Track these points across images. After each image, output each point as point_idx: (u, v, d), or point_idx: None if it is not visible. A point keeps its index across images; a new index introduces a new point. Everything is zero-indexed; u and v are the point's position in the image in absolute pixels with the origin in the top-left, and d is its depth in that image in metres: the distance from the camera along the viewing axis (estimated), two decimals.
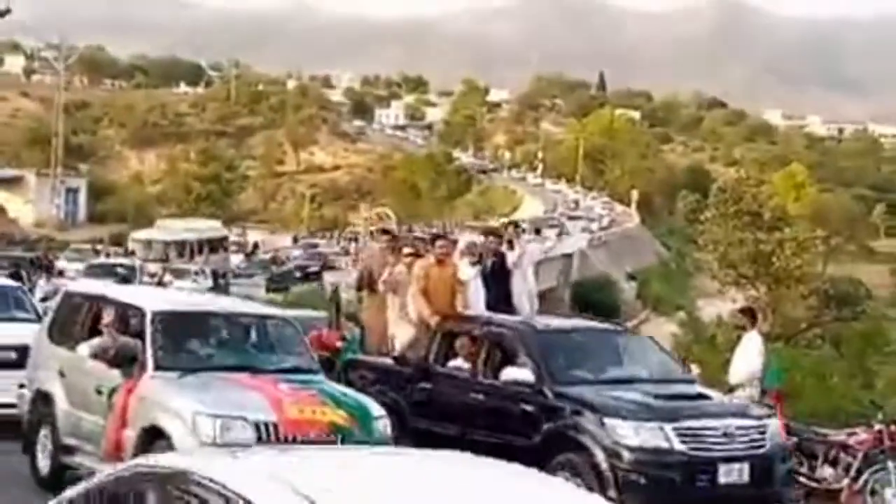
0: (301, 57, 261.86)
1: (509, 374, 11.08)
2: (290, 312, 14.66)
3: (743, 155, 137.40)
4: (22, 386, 12.41)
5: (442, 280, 12.82)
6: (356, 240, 66.72)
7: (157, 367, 10.53)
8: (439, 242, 13.54)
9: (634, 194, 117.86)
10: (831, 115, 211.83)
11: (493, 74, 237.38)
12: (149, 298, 12.19)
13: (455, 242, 14.25)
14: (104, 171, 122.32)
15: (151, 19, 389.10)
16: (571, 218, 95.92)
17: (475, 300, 13.12)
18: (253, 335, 11.89)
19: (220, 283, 41.00)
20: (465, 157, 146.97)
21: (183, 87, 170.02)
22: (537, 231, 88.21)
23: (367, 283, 14.29)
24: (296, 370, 11.15)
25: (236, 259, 60.74)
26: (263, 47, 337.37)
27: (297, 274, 52.31)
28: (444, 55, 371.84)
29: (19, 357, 13.23)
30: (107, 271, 36.85)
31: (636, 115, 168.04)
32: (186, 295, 15.05)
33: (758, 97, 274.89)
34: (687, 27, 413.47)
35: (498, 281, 13.72)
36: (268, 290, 48.95)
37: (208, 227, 60.72)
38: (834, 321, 53.04)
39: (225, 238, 61.39)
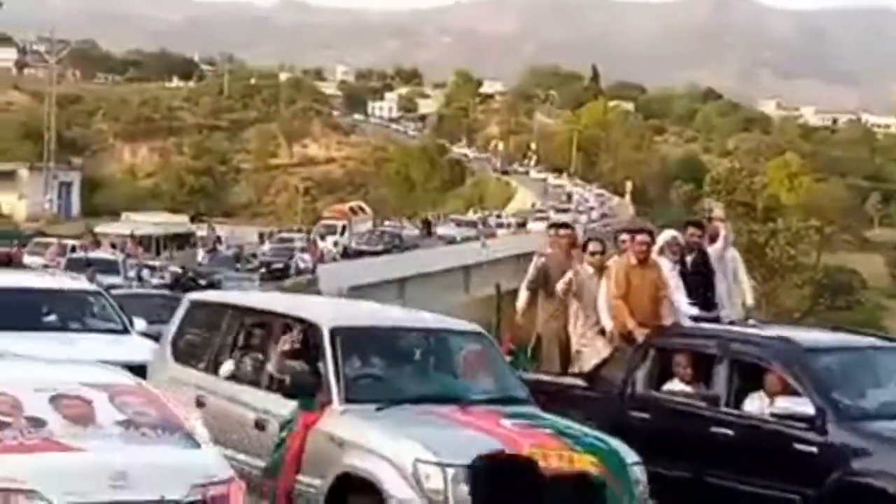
0: (294, 50, 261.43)
1: (782, 405, 8.87)
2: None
3: (737, 146, 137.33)
4: None
5: (644, 283, 10.81)
6: (322, 237, 63.97)
7: (348, 399, 8.53)
8: (639, 238, 11.23)
9: (629, 186, 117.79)
10: (825, 106, 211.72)
11: (486, 66, 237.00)
12: (319, 310, 9.94)
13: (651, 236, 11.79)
14: (97, 165, 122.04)
15: (144, 14, 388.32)
16: (559, 210, 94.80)
17: (682, 307, 11.09)
18: (450, 355, 9.70)
19: (181, 282, 37.34)
20: (470, 153, 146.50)
21: (176, 82, 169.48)
22: (521, 224, 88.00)
23: (541, 284, 11.96)
24: (509, 400, 9.04)
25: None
26: (256, 41, 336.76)
27: (262, 271, 49.69)
28: (437, 47, 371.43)
29: None
30: (81, 266, 32.54)
31: (630, 106, 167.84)
32: (364, 306, 11.95)
33: (751, 88, 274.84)
34: (681, 19, 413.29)
35: (698, 283, 11.62)
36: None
37: (174, 222, 59.87)
38: (829, 310, 53.12)
39: (192, 234, 60.32)
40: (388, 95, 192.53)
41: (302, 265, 52.16)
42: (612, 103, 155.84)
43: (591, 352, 10.97)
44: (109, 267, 34.55)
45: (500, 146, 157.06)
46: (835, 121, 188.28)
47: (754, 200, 55.88)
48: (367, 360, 9.16)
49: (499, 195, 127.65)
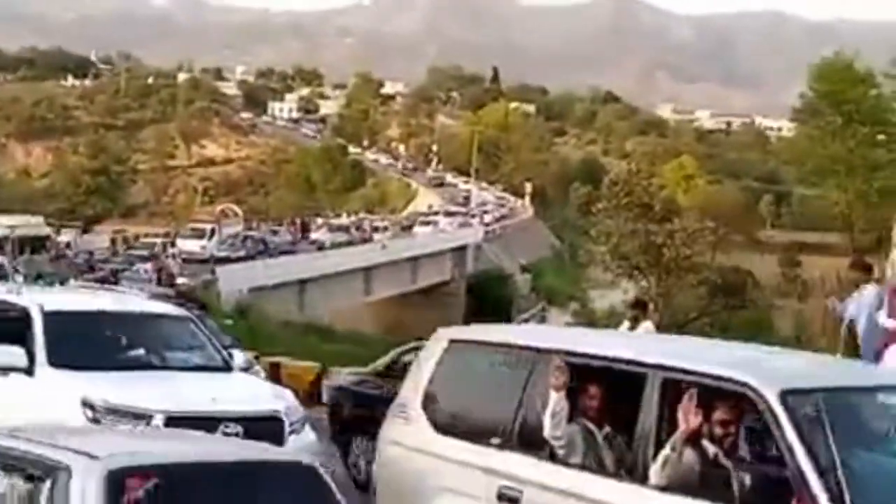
0: (192, 49, 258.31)
1: None
2: None
3: (634, 148, 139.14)
4: None
5: None
6: (172, 244, 59.92)
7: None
8: None
9: (528, 187, 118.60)
10: (722, 109, 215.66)
11: (388, 67, 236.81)
12: (752, 365, 6.41)
13: None
14: None
15: (38, 11, 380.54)
16: (448, 213, 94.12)
17: None
18: None
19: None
20: (430, 171, 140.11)
21: (71, 80, 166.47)
22: (408, 227, 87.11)
23: None
24: None
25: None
26: (153, 39, 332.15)
27: (112, 279, 44.79)
28: (338, 48, 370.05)
29: (251, 432, 8.76)
30: None
31: (531, 108, 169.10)
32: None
33: (650, 92, 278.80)
34: (582, 22, 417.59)
35: None
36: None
37: (29, 224, 55.99)
38: (723, 310, 54.01)
39: (47, 237, 57.61)
40: (288, 96, 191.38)
41: (144, 276, 46.45)
42: (513, 105, 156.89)
43: None
44: None
45: (402, 148, 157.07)
46: (729, 124, 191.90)
47: (652, 202, 56.33)
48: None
49: (400, 197, 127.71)
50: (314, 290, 54.29)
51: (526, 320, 71.31)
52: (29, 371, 9.83)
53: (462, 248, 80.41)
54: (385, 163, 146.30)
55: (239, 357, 11.46)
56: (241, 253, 59.13)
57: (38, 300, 10.54)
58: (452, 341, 7.87)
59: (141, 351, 10.74)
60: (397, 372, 11.69)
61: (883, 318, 11.91)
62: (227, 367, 10.72)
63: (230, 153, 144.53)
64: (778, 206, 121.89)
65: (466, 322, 69.38)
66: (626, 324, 13.87)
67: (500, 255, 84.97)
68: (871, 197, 76.08)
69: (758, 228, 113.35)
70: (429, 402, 7.63)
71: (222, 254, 58.35)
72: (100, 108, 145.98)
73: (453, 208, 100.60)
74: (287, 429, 9.50)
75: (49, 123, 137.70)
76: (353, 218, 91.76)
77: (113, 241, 64.65)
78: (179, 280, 43.83)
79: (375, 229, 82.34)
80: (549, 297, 79.37)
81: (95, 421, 9.07)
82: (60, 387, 9.51)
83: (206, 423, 8.66)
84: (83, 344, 10.24)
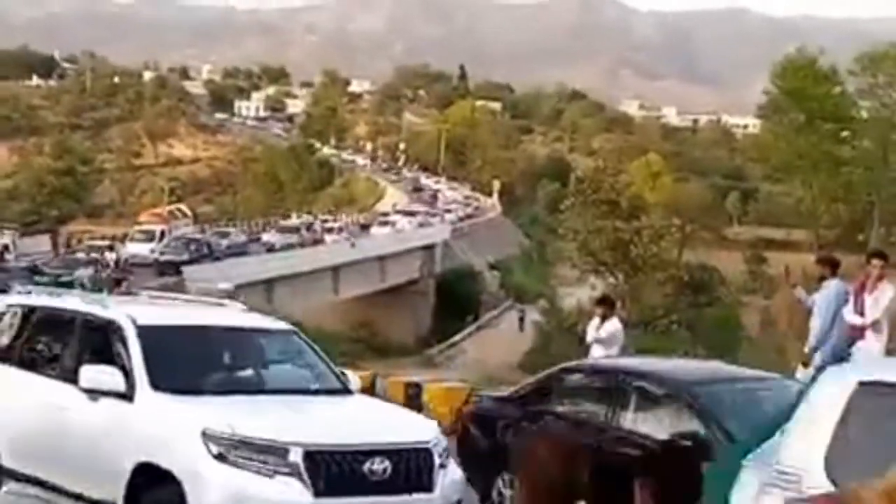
0: (158, 48, 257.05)
1: None
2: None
3: (601, 145, 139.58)
4: None
5: None
6: (111, 248, 55.40)
7: None
8: None
9: (496, 184, 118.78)
10: (686, 106, 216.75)
11: (355, 66, 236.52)
12: None
13: None
14: None
15: (2, 10, 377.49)
16: (406, 213, 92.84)
17: None
18: None
19: None
20: (424, 178, 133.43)
21: (35, 80, 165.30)
22: (365, 226, 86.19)
23: None
24: None
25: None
26: (118, 38, 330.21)
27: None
28: (305, 46, 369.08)
29: (399, 467, 8.13)
30: None
31: (497, 106, 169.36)
32: None
33: (616, 89, 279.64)
34: (549, 20, 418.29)
35: None
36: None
37: None
38: (690, 307, 54.29)
39: None
40: (255, 95, 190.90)
41: (87, 282, 43.09)
42: (479, 103, 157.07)
43: None
44: None
45: (369, 146, 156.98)
46: (695, 121, 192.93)
47: (618, 199, 56.59)
48: None
49: (368, 195, 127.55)
50: (282, 290, 54.15)
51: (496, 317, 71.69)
52: (128, 396, 8.51)
53: (431, 247, 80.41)
54: (362, 163, 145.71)
55: (355, 380, 9.91)
56: (185, 257, 54.98)
57: (128, 312, 9.19)
58: (864, 384, 5.94)
59: (250, 371, 9.50)
60: (545, 399, 10.48)
61: (849, 315, 12.03)
62: (345, 390, 9.44)
63: (197, 152, 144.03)
64: (744, 203, 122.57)
65: (435, 319, 69.52)
66: (596, 321, 13.87)
67: (468, 253, 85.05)
68: (835, 192, 76.89)
69: (724, 225, 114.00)
70: (837, 468, 5.63)
71: (165, 258, 54.84)
72: (65, 108, 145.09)
73: (413, 207, 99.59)
74: (437, 462, 8.38)
75: (14, 123, 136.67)
76: (303, 219, 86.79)
77: (54, 245, 59.42)
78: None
79: (330, 230, 78.41)
80: (517, 294, 79.53)
81: (220, 457, 7.81)
82: (172, 415, 8.25)
83: (351, 457, 7.91)
84: (187, 364, 9.00)
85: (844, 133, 78.98)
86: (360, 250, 67.77)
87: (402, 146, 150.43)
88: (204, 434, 7.88)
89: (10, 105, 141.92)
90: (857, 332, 11.88)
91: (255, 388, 9.13)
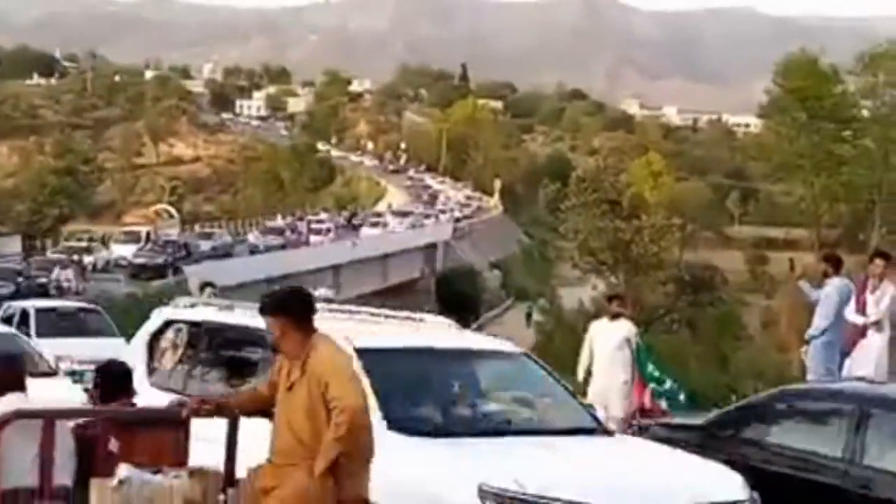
0: (160, 47, 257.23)
1: None
2: None
3: (602, 145, 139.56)
4: None
5: None
6: (88, 249, 52.94)
7: None
8: None
9: (497, 184, 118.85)
10: (688, 105, 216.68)
11: (356, 65, 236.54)
12: None
13: None
14: None
15: (3, 9, 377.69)
16: (397, 214, 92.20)
17: None
18: None
19: None
20: (428, 179, 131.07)
21: (36, 79, 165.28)
22: (356, 227, 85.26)
23: None
24: None
25: None
26: (119, 37, 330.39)
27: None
28: (306, 45, 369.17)
29: None
30: None
31: (499, 105, 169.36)
32: None
33: (617, 88, 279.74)
34: (551, 19, 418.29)
35: None
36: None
37: None
38: (690, 306, 54.35)
39: None
40: (256, 94, 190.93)
41: (65, 284, 42.37)
42: (481, 102, 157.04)
43: None
44: None
45: (370, 145, 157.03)
46: (696, 120, 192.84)
47: (619, 198, 56.67)
48: None
49: (370, 194, 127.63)
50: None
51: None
52: None
53: (432, 246, 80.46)
54: (370, 164, 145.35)
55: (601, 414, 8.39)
56: (159, 260, 53.59)
57: (337, 333, 7.28)
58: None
59: (493, 406, 7.81)
60: (747, 427, 9.08)
61: (851, 314, 12.07)
62: (601, 428, 7.96)
63: (198, 152, 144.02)
64: (745, 203, 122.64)
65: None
66: (604, 319, 13.21)
67: (469, 253, 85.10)
68: (836, 192, 76.84)
69: (725, 225, 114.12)
70: None
71: (139, 261, 53.30)
72: (66, 107, 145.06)
73: (407, 208, 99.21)
74: None
75: (15, 123, 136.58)
76: (288, 220, 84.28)
77: (27, 247, 56.58)
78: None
79: (317, 232, 75.96)
80: (518, 293, 79.57)
81: None
82: (425, 463, 6.77)
83: None
84: (419, 396, 7.57)
85: (846, 132, 78.90)
86: (362, 250, 67.86)
87: (402, 146, 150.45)
88: (482, 491, 6.39)
89: (11, 104, 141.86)
90: (860, 331, 11.94)
91: (502, 426, 7.50)
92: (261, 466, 6.08)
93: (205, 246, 60.74)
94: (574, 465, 6.93)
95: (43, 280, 41.23)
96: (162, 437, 6.45)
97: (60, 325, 20.27)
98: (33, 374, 10.83)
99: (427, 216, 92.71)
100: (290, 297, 6.18)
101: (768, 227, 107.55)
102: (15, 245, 56.03)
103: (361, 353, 7.11)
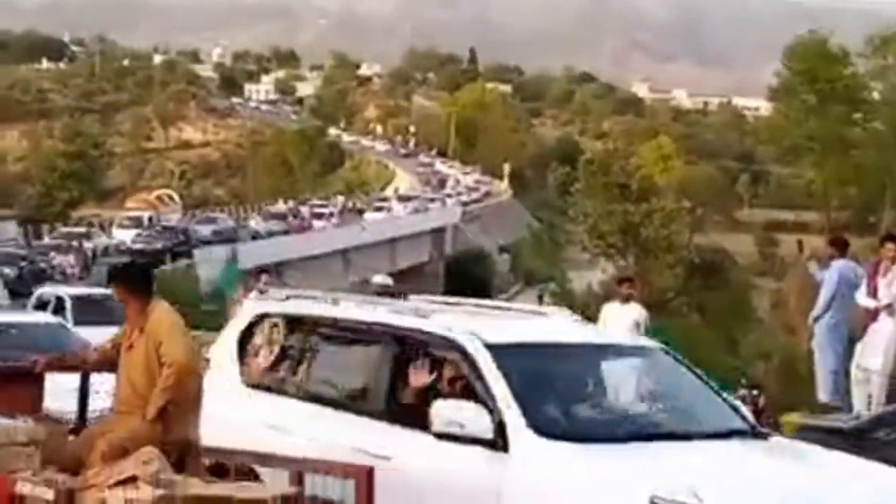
0: (168, 31, 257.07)
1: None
2: None
3: (611, 128, 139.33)
4: None
5: None
6: (87, 235, 51.68)
7: None
8: None
9: (506, 168, 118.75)
10: (697, 89, 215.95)
11: (364, 48, 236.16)
12: None
13: None
14: None
15: None
16: (402, 199, 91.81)
17: None
18: None
19: None
20: (439, 163, 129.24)
21: (45, 63, 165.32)
22: (359, 211, 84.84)
23: None
24: None
25: None
26: (128, 21, 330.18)
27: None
28: (314, 29, 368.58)
29: None
30: None
31: (507, 89, 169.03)
32: None
33: (626, 72, 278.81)
34: (558, 2, 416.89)
35: None
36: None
37: None
38: (700, 290, 54.32)
39: None
40: (264, 78, 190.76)
41: (69, 270, 41.69)
42: (489, 86, 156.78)
43: None
44: None
45: (379, 129, 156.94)
46: (706, 104, 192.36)
47: (629, 182, 56.63)
48: None
49: (378, 179, 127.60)
50: (293, 273, 54.25)
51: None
52: (497, 443, 6.21)
53: (441, 230, 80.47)
54: (382, 149, 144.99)
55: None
56: (158, 245, 52.34)
57: (462, 327, 6.95)
58: None
59: (640, 407, 7.14)
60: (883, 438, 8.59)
61: (862, 298, 12.10)
62: (755, 431, 7.14)
63: (207, 136, 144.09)
64: (755, 186, 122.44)
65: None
66: (616, 303, 13.34)
67: (478, 236, 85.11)
68: (846, 175, 76.66)
69: (735, 208, 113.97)
70: None
71: (137, 246, 51.73)
72: (75, 92, 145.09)
73: (412, 193, 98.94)
74: None
75: (24, 107, 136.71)
76: (290, 205, 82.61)
77: (25, 232, 55.04)
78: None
79: (319, 216, 74.98)
80: (527, 277, 79.57)
81: None
82: (583, 472, 6.01)
83: None
84: (560, 397, 6.77)
85: (856, 115, 78.68)
86: (371, 233, 67.91)
87: (411, 129, 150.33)
88: None
89: (20, 88, 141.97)
90: (871, 315, 11.96)
91: (652, 430, 6.74)
92: (106, 415, 7.20)
93: (206, 231, 59.75)
94: (750, 474, 6.16)
95: (43, 265, 40.53)
96: (18, 390, 7.37)
97: (98, 312, 19.54)
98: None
99: (432, 200, 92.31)
100: (129, 269, 7.53)
101: (778, 210, 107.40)
102: (9, 230, 54.64)
103: (493, 349, 6.55)
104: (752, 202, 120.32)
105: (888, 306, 11.88)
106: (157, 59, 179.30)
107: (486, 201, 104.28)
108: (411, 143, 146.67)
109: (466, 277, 70.26)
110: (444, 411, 6.30)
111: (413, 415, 6.61)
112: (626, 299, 13.18)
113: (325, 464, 6.36)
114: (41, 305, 20.81)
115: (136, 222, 59.24)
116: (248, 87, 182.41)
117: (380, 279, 17.86)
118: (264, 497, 6.00)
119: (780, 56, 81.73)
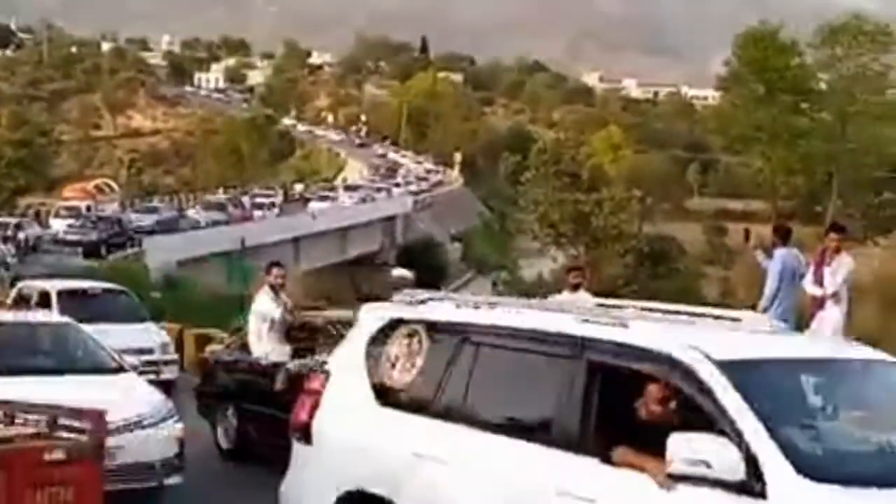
0: (117, 18, 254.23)
1: None
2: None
3: (562, 117, 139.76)
4: None
5: None
6: (18, 226, 49.22)
7: None
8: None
9: (458, 156, 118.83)
10: (648, 79, 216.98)
11: (315, 37, 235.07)
12: None
13: None
14: None
15: None
16: (348, 188, 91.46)
17: None
18: None
19: None
20: (391, 153, 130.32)
21: None
22: (306, 201, 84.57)
23: None
24: None
25: None
26: (77, 9, 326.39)
27: None
28: (265, 17, 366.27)
29: None
30: None
31: (459, 78, 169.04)
32: None
33: (578, 61, 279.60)
34: None
35: None
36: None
37: None
38: (650, 279, 54.61)
39: None
40: (214, 66, 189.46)
41: (9, 259, 40.51)
42: (441, 74, 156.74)
43: None
44: None
45: (330, 118, 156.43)
46: (656, 93, 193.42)
47: (579, 171, 56.90)
48: None
49: (329, 167, 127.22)
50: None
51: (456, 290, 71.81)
52: (753, 487, 4.94)
53: (391, 218, 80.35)
54: (336, 138, 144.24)
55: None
56: (92, 237, 50.39)
57: (678, 340, 5.61)
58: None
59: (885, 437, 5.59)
60: None
61: (809, 286, 12.23)
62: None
63: (157, 124, 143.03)
64: (704, 175, 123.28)
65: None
66: (565, 292, 13.38)
67: (430, 225, 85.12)
68: (793, 164, 77.41)
69: (684, 197, 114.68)
70: None
71: (71, 237, 50.43)
72: (22, 79, 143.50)
73: (360, 182, 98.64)
74: None
75: None
76: (229, 195, 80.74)
77: None
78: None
79: (259, 206, 73.25)
80: (479, 266, 79.69)
81: None
82: None
83: None
84: (818, 427, 5.51)
85: (803, 105, 79.44)
86: (322, 222, 67.68)
87: (363, 118, 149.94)
88: None
89: None
90: (818, 303, 12.10)
91: None
92: None
93: (148, 221, 58.22)
94: None
95: None
96: None
97: (87, 308, 17.37)
98: (102, 371, 10.96)
99: (378, 190, 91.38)
100: None
101: (727, 199, 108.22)
102: None
103: (726, 367, 5.30)
104: (701, 191, 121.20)
105: (834, 295, 12.04)
106: (106, 46, 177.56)
107: (438, 190, 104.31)
108: (363, 132, 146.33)
109: (418, 266, 70.19)
110: (685, 446, 4.99)
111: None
112: (575, 288, 13.22)
113: None
114: (22, 300, 19.36)
115: (75, 212, 57.46)
116: (198, 76, 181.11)
117: (399, 272, 16.91)
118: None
119: (730, 47, 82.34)
